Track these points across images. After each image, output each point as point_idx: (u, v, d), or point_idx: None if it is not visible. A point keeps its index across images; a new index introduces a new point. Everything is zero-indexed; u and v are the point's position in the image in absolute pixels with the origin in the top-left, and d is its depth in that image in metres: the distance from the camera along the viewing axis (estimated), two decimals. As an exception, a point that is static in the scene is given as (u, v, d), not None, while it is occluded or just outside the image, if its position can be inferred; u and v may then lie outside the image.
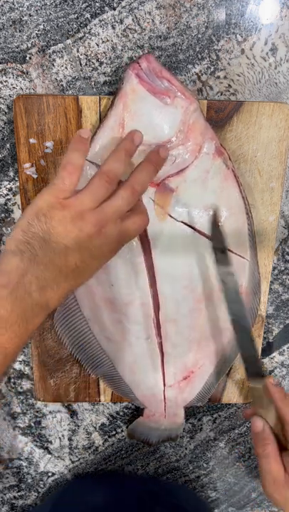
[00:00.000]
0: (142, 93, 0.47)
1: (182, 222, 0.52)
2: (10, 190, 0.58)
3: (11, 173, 0.57)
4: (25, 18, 0.51)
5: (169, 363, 0.60)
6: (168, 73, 0.47)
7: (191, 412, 0.72)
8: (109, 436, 0.74)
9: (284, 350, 0.69)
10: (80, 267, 0.42)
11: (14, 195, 0.58)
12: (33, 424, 0.72)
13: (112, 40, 0.52)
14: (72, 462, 0.76)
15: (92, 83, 0.54)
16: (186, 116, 0.48)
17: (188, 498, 0.75)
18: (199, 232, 0.53)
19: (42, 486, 0.78)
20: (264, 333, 0.67)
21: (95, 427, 0.73)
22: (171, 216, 0.52)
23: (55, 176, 0.43)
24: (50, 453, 0.75)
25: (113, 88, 0.54)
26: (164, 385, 0.61)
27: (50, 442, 0.74)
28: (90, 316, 0.58)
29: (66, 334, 0.59)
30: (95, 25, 0.52)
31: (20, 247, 0.39)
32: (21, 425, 0.72)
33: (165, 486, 0.76)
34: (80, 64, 0.53)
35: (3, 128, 0.55)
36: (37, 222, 0.41)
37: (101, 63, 0.53)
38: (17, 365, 0.67)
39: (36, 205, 0.42)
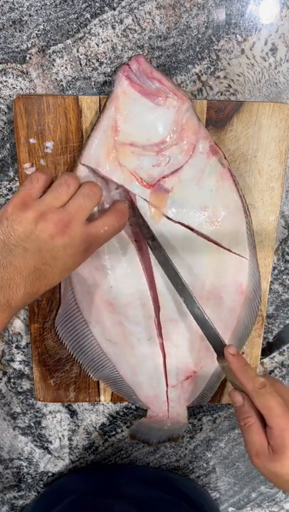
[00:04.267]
0: (133, 95, 0.47)
1: (179, 222, 0.52)
2: (10, 190, 0.58)
3: (11, 173, 0.57)
4: (25, 18, 0.51)
5: (171, 363, 0.60)
6: (158, 74, 0.47)
7: (191, 412, 0.72)
8: (109, 436, 0.74)
9: (284, 350, 0.69)
10: (42, 270, 0.42)
11: (14, 195, 0.58)
12: (33, 424, 0.72)
13: (112, 40, 0.52)
14: (72, 462, 0.76)
15: (92, 83, 0.54)
16: (179, 116, 0.48)
17: (192, 490, 0.75)
18: (197, 232, 0.53)
19: (42, 486, 0.78)
20: (264, 333, 0.67)
21: (95, 427, 0.73)
22: (167, 217, 0.52)
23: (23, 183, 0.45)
24: (50, 453, 0.75)
25: (113, 88, 0.54)
26: (167, 385, 0.61)
27: (50, 442, 0.74)
28: (91, 319, 0.58)
29: (67, 337, 0.59)
30: (95, 25, 0.52)
31: None
32: (21, 425, 0.72)
33: (164, 474, 0.76)
34: (80, 64, 0.53)
35: (3, 128, 0.55)
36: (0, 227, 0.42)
37: (101, 63, 0.53)
38: (17, 365, 0.67)
39: (3, 209, 0.43)
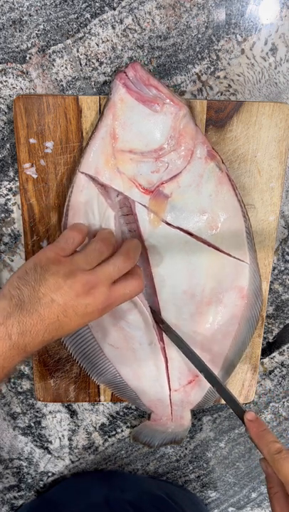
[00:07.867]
0: (131, 102, 0.47)
1: (178, 228, 0.52)
2: (10, 190, 0.58)
3: (11, 173, 0.57)
4: (25, 18, 0.51)
5: (173, 367, 0.60)
6: (155, 81, 0.47)
7: (191, 412, 0.72)
8: (109, 436, 0.74)
9: (284, 350, 0.69)
10: (62, 321, 0.44)
11: (14, 195, 0.58)
12: (33, 424, 0.72)
13: (112, 40, 0.52)
14: (72, 462, 0.76)
15: (92, 83, 0.54)
16: (176, 122, 0.48)
17: (187, 502, 0.75)
18: (196, 237, 0.53)
19: (42, 486, 0.78)
20: (264, 333, 0.67)
21: (95, 427, 0.73)
22: (167, 223, 0.52)
23: (61, 235, 0.47)
24: (50, 453, 0.75)
25: (113, 88, 0.54)
26: (170, 389, 0.61)
27: (50, 442, 0.74)
28: (93, 324, 0.58)
29: (70, 342, 0.59)
30: (95, 25, 0.52)
31: (12, 292, 0.43)
32: (21, 425, 0.72)
33: (164, 488, 0.76)
34: (80, 64, 0.53)
35: (3, 128, 0.55)
36: (32, 272, 0.44)
37: (101, 63, 0.53)
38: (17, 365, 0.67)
39: (37, 257, 0.45)
